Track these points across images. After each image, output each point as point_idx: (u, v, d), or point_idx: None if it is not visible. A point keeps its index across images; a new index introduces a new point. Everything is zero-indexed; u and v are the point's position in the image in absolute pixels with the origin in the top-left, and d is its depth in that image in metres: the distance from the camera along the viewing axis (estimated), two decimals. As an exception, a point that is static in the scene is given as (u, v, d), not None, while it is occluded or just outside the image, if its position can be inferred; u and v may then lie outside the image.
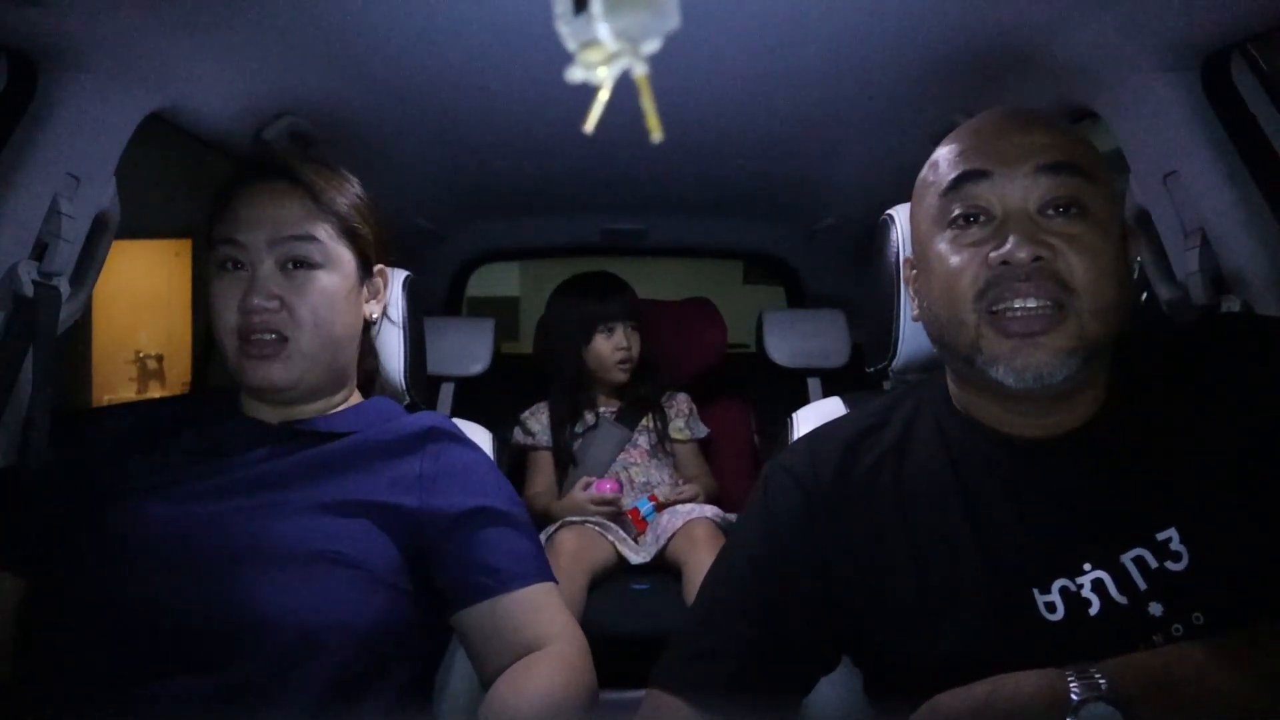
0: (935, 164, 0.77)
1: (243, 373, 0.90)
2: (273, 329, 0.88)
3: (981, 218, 0.72)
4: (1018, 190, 0.71)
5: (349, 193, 0.97)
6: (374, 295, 1.01)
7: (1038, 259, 0.68)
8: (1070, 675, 0.61)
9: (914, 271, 0.82)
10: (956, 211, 0.73)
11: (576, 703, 0.83)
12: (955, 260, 0.72)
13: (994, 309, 0.69)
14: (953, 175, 0.74)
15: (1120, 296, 0.70)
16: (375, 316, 1.02)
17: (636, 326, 1.96)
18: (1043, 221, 0.70)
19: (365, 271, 0.98)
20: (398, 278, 1.14)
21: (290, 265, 0.90)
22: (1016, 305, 0.68)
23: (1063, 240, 0.69)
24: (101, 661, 0.75)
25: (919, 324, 1.05)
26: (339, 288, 0.93)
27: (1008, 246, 0.69)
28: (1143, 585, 0.67)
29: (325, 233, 0.92)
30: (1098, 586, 0.68)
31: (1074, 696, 0.60)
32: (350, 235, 0.95)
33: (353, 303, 0.96)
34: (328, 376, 0.95)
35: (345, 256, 0.94)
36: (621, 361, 1.92)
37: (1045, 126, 0.74)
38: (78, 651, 0.76)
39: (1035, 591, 0.69)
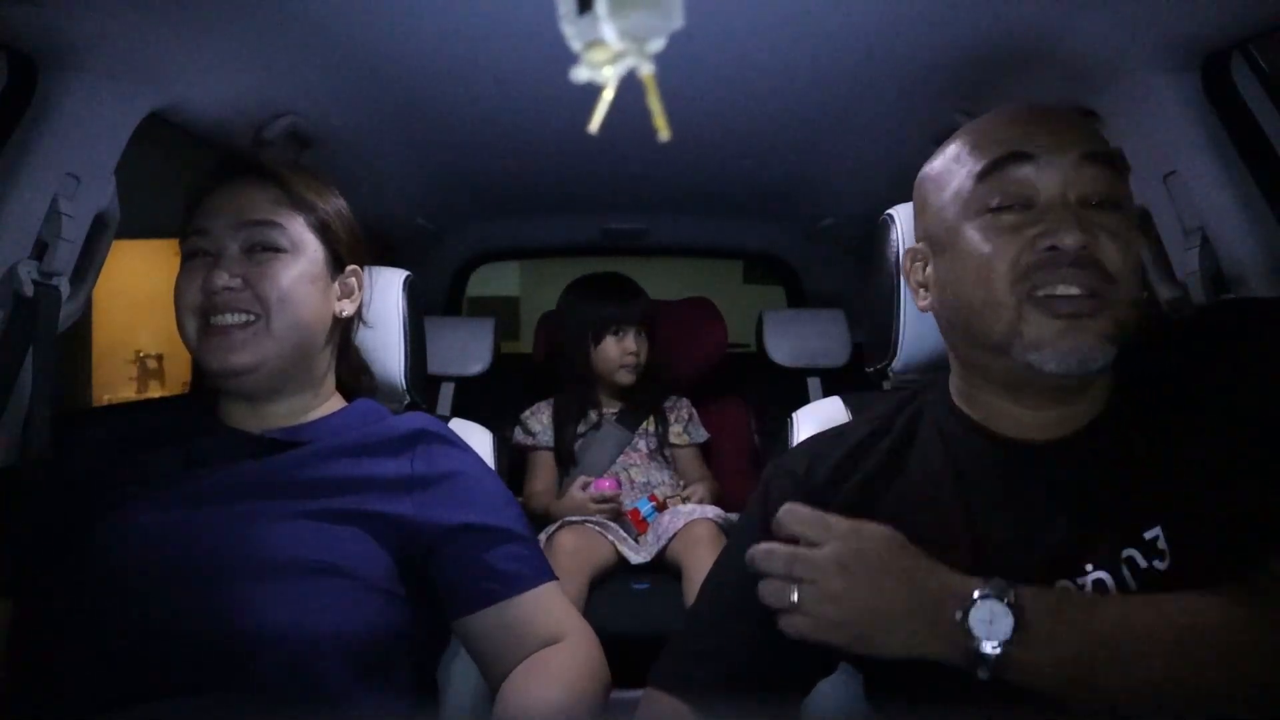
0: (963, 149, 0.76)
1: (203, 356, 0.88)
2: (237, 308, 0.87)
3: (1020, 204, 0.71)
4: (1060, 177, 0.71)
5: (323, 194, 0.97)
6: (347, 294, 0.99)
7: (1084, 246, 0.68)
8: (983, 581, 0.63)
9: (920, 261, 0.80)
10: (996, 197, 0.72)
11: (595, 692, 0.84)
12: (993, 243, 0.71)
13: (1036, 294, 0.69)
14: (994, 156, 0.72)
15: (1141, 291, 0.71)
16: (346, 314, 0.98)
17: (647, 331, 1.96)
18: (1082, 211, 0.70)
19: (337, 267, 0.97)
20: (398, 278, 1.14)
21: (255, 249, 0.89)
22: (1059, 291, 0.68)
23: (1103, 231, 0.69)
24: (90, 682, 0.73)
25: (919, 324, 1.03)
26: (305, 273, 0.92)
27: (1056, 231, 0.68)
28: (1133, 585, 0.67)
29: (292, 221, 0.92)
30: (1099, 587, 0.68)
31: (975, 595, 0.62)
32: (320, 229, 0.94)
33: (322, 292, 0.94)
34: (294, 366, 0.92)
35: (313, 246, 0.93)
36: (627, 366, 1.92)
37: (1080, 117, 0.74)
38: (65, 673, 0.74)
39: None
